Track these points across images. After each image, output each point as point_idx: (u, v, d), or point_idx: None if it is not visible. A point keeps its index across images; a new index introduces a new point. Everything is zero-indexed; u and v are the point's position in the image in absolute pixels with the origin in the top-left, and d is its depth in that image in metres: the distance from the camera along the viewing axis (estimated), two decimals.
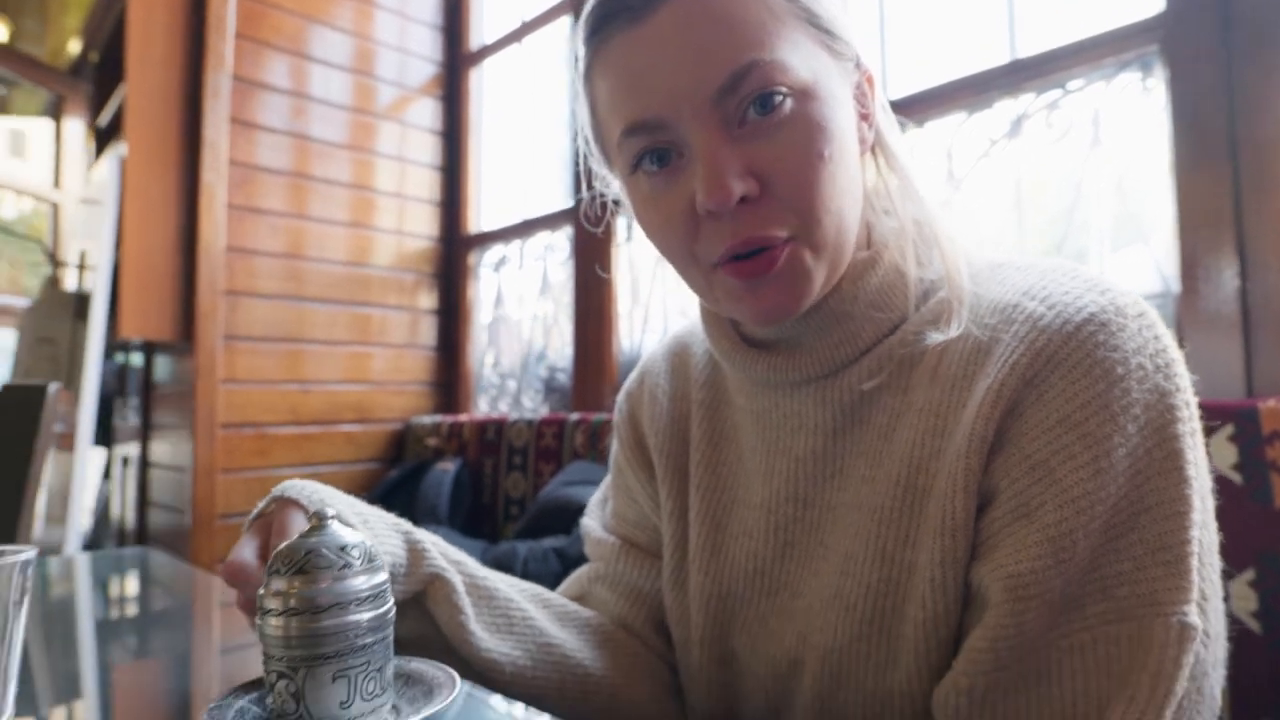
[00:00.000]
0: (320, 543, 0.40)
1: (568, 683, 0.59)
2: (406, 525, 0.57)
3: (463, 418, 2.05)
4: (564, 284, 2.07)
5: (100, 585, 0.93)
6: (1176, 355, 0.46)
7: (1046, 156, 1.22)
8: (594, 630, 0.64)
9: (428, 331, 2.34)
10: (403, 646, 0.57)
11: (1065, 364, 0.44)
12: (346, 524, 0.47)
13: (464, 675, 0.58)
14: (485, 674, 0.55)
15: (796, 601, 0.54)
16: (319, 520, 0.41)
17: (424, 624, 0.57)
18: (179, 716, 0.50)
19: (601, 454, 1.63)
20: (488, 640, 0.56)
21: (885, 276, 0.52)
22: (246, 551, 0.48)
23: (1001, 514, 0.45)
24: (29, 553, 0.46)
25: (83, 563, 1.05)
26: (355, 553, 0.41)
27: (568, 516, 1.50)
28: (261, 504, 0.51)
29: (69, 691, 0.51)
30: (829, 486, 0.54)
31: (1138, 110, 1.13)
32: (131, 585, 0.94)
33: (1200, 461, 0.45)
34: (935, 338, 0.50)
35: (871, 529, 0.50)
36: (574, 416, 1.73)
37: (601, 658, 0.61)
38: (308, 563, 0.39)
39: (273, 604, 0.39)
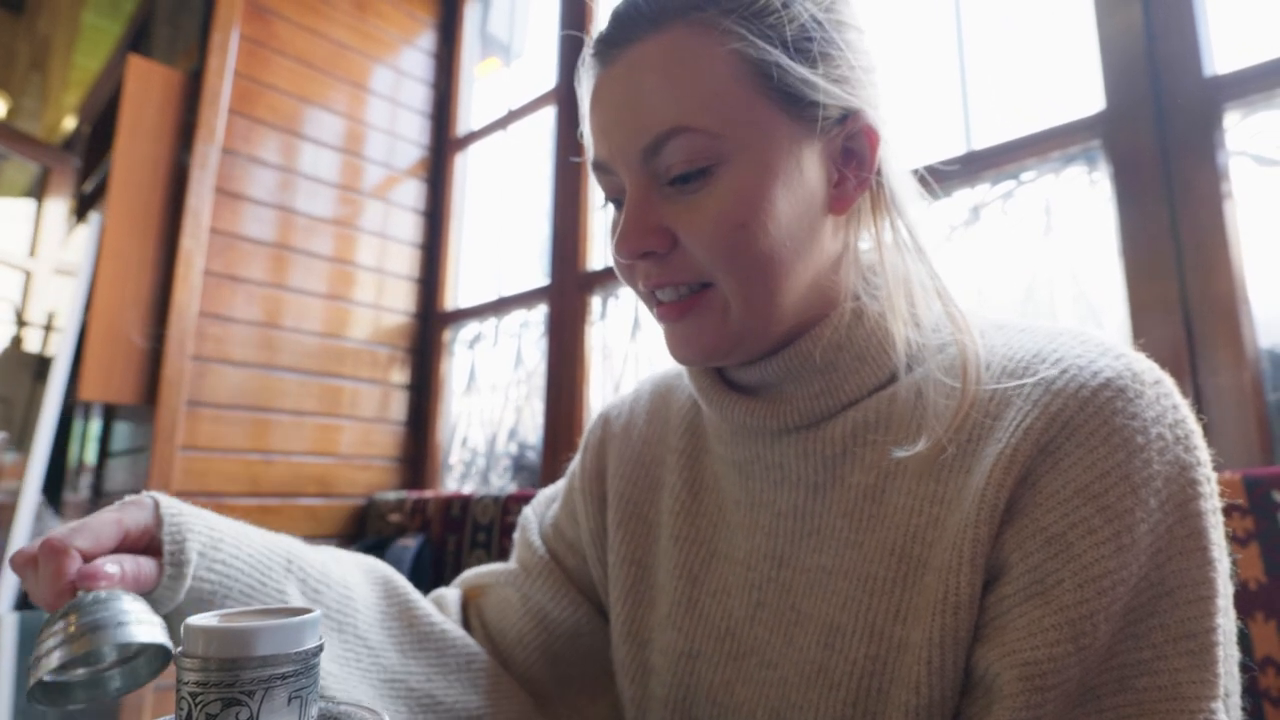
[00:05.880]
0: None
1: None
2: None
3: (428, 494, 2.00)
4: (537, 362, 2.08)
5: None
6: (1195, 427, 0.43)
7: (1003, 243, 1.28)
8: (456, 655, 0.61)
9: (398, 406, 2.31)
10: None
11: (1082, 431, 0.41)
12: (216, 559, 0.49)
13: None
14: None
15: (768, 672, 0.50)
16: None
17: None
18: None
19: None
20: (341, 678, 0.54)
21: (874, 331, 0.51)
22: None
23: (1012, 591, 0.41)
24: None
25: (11, 622, 0.99)
26: None
27: None
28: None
29: None
30: (804, 546, 0.51)
31: (1086, 200, 1.20)
32: None
33: (1222, 542, 0.42)
34: (932, 396, 0.47)
35: (862, 599, 0.46)
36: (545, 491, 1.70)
37: (459, 682, 0.59)
38: None
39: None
